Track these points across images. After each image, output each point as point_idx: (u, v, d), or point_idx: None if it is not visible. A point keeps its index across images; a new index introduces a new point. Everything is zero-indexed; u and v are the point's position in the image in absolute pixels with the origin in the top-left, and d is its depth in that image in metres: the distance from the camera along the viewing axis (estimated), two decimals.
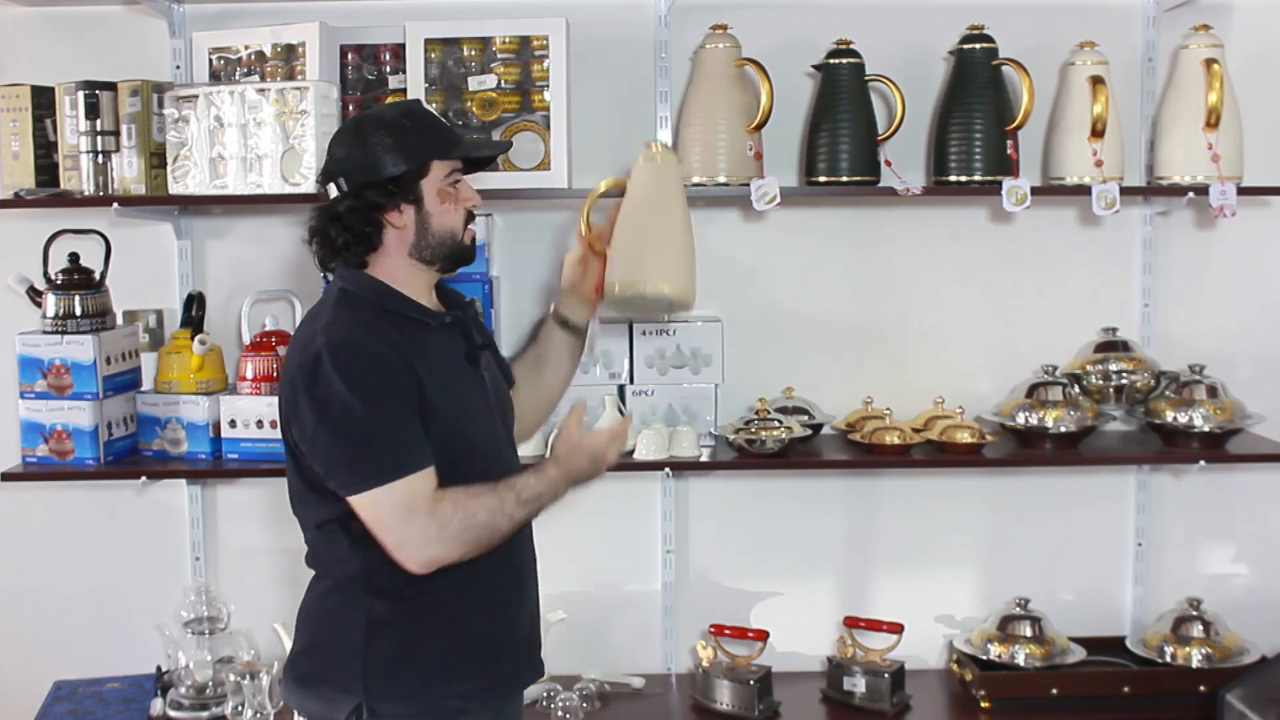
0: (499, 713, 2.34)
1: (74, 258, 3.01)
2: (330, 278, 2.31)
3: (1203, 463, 3.03)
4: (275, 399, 2.94)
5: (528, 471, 2.22)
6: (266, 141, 2.86)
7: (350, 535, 2.17)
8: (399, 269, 2.24)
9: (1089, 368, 3.13)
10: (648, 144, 2.55)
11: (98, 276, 3.04)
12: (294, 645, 2.31)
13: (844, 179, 2.96)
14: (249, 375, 3.03)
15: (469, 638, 2.24)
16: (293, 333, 2.48)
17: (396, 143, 2.18)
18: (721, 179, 2.94)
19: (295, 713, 2.35)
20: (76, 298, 2.98)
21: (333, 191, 2.20)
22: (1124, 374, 3.10)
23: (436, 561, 2.11)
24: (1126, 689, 3.03)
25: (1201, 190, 2.92)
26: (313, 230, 2.25)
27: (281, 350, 3.03)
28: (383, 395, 2.11)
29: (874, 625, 3.13)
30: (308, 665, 2.26)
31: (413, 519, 2.08)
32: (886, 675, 3.04)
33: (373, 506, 2.09)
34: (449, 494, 2.12)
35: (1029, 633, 3.10)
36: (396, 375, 2.13)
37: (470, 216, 2.29)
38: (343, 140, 2.23)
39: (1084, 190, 2.93)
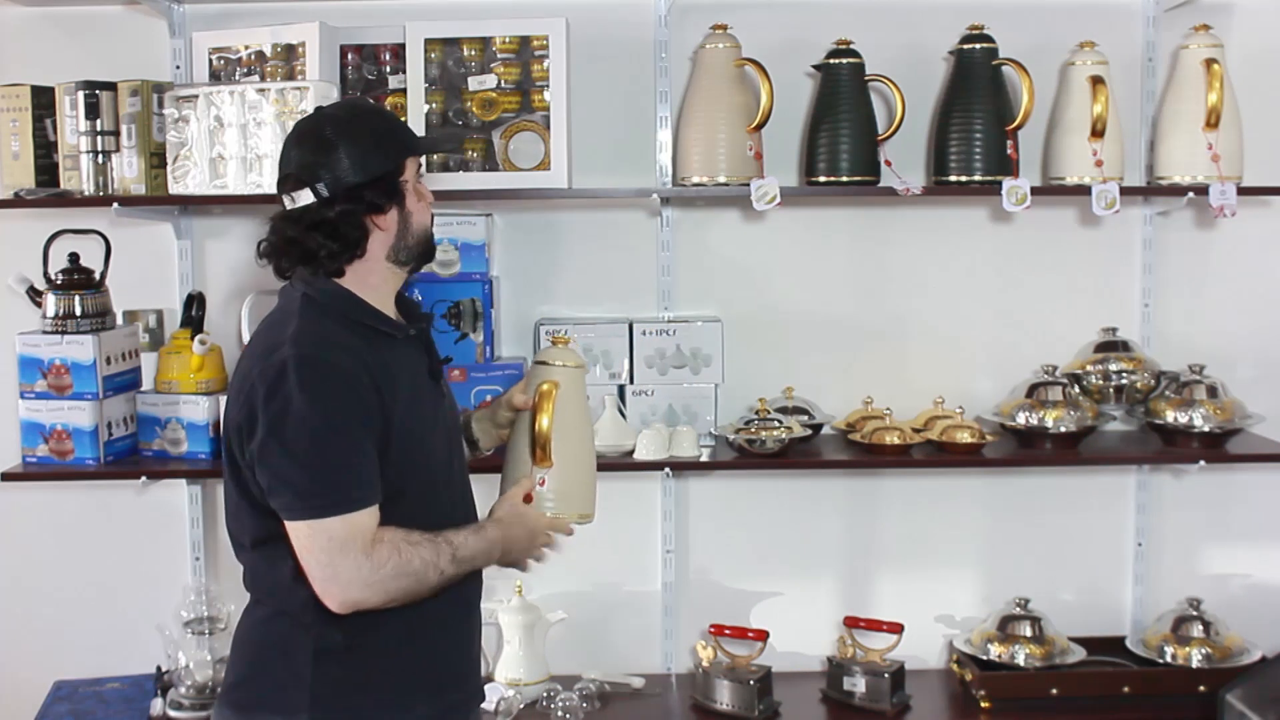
0: None
1: (74, 258, 3.01)
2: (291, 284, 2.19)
3: (1203, 463, 3.03)
4: None
5: (467, 529, 2.14)
6: (266, 141, 2.86)
7: (295, 558, 2.06)
8: (373, 274, 2.15)
9: (1089, 368, 3.13)
10: (560, 340, 2.36)
11: (98, 276, 3.04)
12: (230, 673, 2.20)
13: (844, 179, 2.96)
14: None
15: (420, 665, 2.16)
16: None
17: (370, 144, 2.10)
18: (721, 179, 2.94)
19: None
20: (76, 298, 2.98)
21: (306, 197, 2.08)
22: (1124, 374, 3.10)
23: (358, 605, 2.02)
24: (1126, 689, 3.03)
25: (1201, 190, 2.92)
26: (285, 241, 2.12)
27: None
28: (344, 420, 2.01)
29: (874, 625, 3.13)
30: (247, 693, 2.14)
31: (346, 557, 1.99)
32: (886, 675, 3.04)
33: (308, 537, 2.00)
34: (387, 536, 2.02)
35: (1029, 633, 3.10)
36: (362, 398, 2.03)
37: (431, 215, 2.23)
38: (305, 145, 2.10)
39: (1084, 190, 2.93)
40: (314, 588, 2.03)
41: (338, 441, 2.00)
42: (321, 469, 1.99)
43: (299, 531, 2.01)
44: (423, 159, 2.25)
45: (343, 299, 2.12)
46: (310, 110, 2.65)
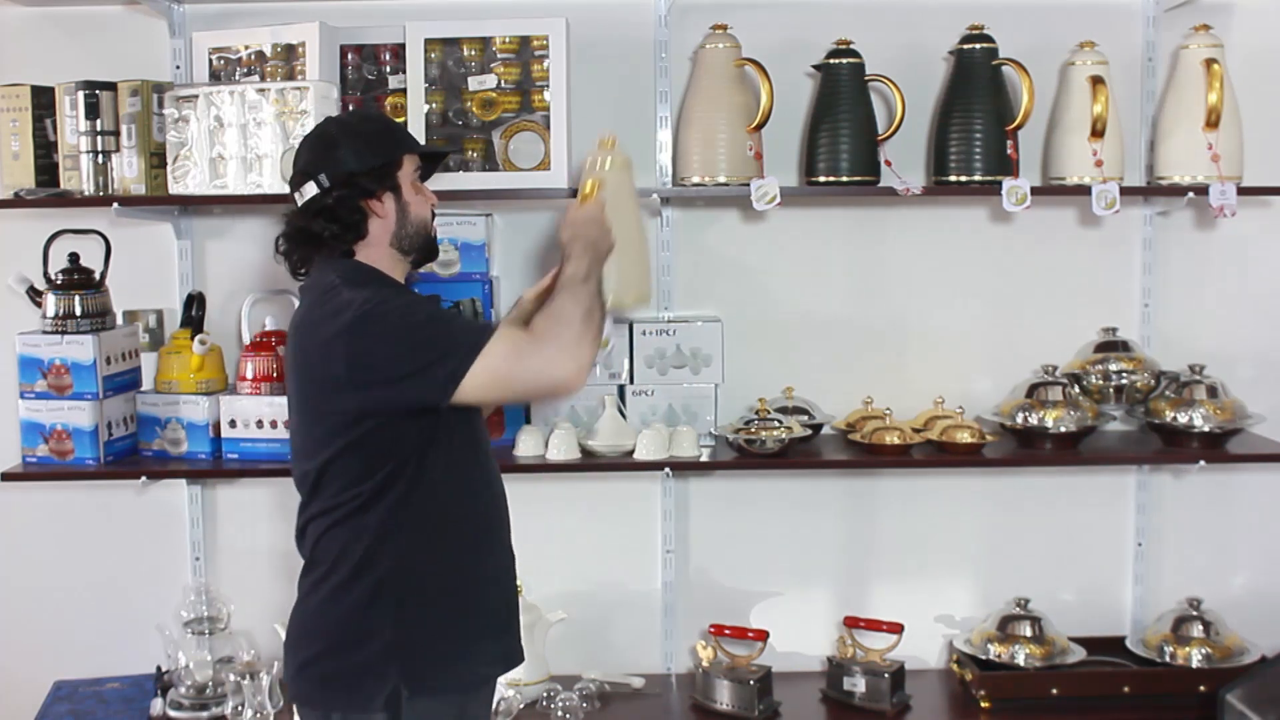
0: (492, 690, 2.44)
1: (74, 258, 3.01)
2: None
3: (1203, 463, 3.03)
4: (275, 399, 2.98)
5: (559, 269, 2.37)
6: (266, 141, 2.86)
7: (385, 508, 2.21)
8: (380, 260, 2.32)
9: (1089, 368, 3.13)
10: (605, 143, 2.54)
11: (98, 276, 3.04)
12: (305, 651, 2.28)
13: (844, 179, 2.96)
14: (249, 375, 3.03)
15: (483, 605, 2.32)
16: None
17: (370, 140, 2.31)
18: (721, 179, 2.94)
19: (308, 715, 2.30)
20: (76, 298, 2.98)
21: (311, 190, 2.28)
22: (1124, 374, 3.10)
23: (581, 369, 2.18)
24: (1126, 689, 3.03)
25: (1201, 190, 2.92)
26: (296, 232, 2.32)
27: (282, 350, 3.03)
28: (433, 301, 2.29)
29: (874, 625, 3.13)
30: (333, 664, 2.25)
31: (528, 352, 2.17)
32: (886, 675, 3.04)
33: (495, 366, 2.14)
34: (533, 321, 2.27)
35: (1029, 633, 3.10)
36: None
37: (432, 213, 2.40)
38: (312, 147, 2.32)
39: (1084, 190, 2.93)
40: (544, 399, 2.31)
41: (442, 310, 2.27)
42: (452, 325, 2.24)
43: (480, 380, 2.14)
44: (423, 165, 2.41)
45: (370, 271, 2.30)
46: (310, 110, 2.72)
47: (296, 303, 3.13)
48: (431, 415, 2.20)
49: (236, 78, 3.04)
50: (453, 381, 2.14)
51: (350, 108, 3.03)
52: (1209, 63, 2.93)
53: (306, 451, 2.28)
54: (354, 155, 2.27)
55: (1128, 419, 3.25)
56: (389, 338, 2.16)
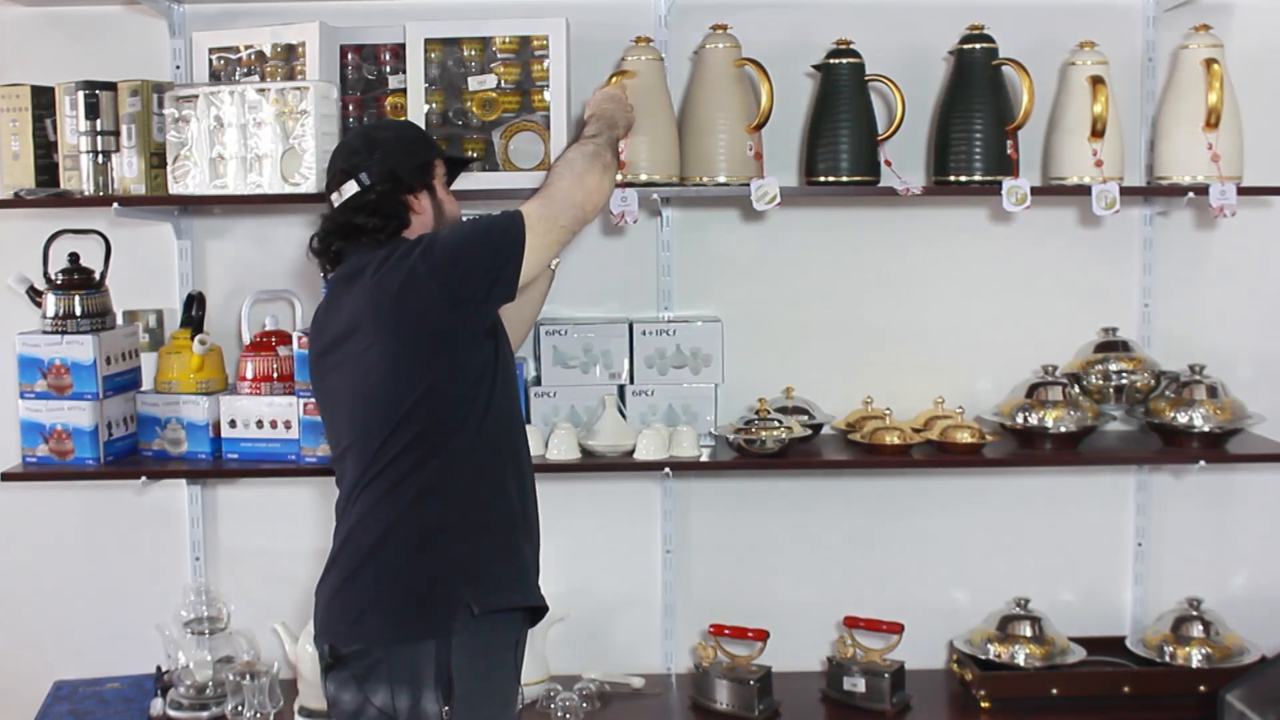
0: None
1: (74, 258, 3.01)
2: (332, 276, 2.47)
3: (1203, 463, 3.03)
4: (275, 399, 2.99)
5: (582, 134, 2.58)
6: (266, 141, 2.86)
7: (441, 415, 2.30)
8: None
9: (1089, 368, 3.13)
10: (638, 40, 2.91)
11: (98, 276, 3.04)
12: (366, 594, 2.30)
13: (844, 179, 2.96)
14: (249, 375, 3.03)
15: (530, 540, 2.45)
16: (312, 322, 2.51)
17: (408, 142, 2.48)
18: (721, 179, 2.94)
19: (372, 657, 2.28)
20: (76, 298, 2.98)
21: (351, 188, 2.40)
22: (1124, 374, 3.10)
23: (589, 188, 2.41)
24: (1126, 689, 3.03)
25: (1201, 190, 2.92)
26: (337, 227, 2.41)
27: (282, 351, 3.03)
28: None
29: (874, 625, 3.13)
30: (402, 594, 2.29)
31: (548, 202, 2.37)
32: (886, 675, 3.04)
33: (541, 218, 2.34)
34: (547, 176, 2.47)
35: (1029, 633, 3.10)
36: None
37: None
38: (350, 149, 2.45)
39: (1084, 190, 2.93)
40: (580, 227, 2.43)
41: (480, 219, 2.38)
42: (493, 223, 2.34)
43: (538, 225, 2.33)
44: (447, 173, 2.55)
45: None
46: (310, 110, 2.75)
47: (296, 303, 3.15)
48: (493, 340, 2.36)
49: (236, 78, 3.04)
50: (516, 235, 2.31)
51: (350, 107, 3.03)
52: (1209, 63, 2.93)
53: (372, 423, 2.30)
54: (394, 154, 2.42)
55: (1128, 419, 3.25)
56: (458, 247, 2.30)
